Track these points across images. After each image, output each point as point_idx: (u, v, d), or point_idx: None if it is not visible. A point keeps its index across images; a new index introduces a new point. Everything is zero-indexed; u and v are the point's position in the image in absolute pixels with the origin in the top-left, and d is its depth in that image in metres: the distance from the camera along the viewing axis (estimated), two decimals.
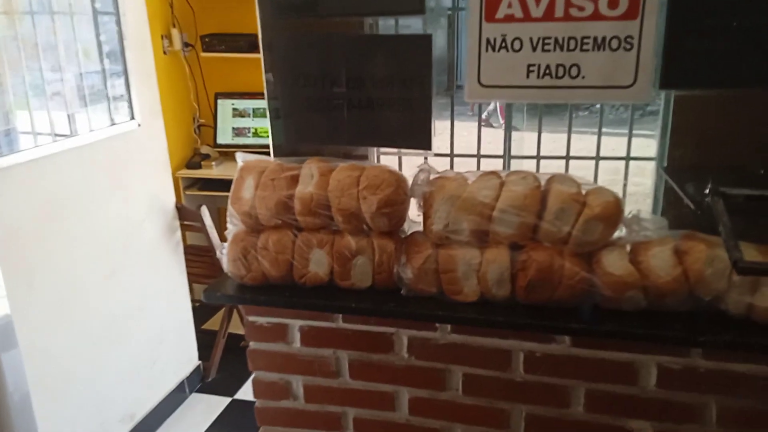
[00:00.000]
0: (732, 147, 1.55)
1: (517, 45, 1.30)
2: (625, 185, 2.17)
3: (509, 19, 1.29)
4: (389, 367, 1.40)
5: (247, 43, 3.40)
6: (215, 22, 3.57)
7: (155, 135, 2.73)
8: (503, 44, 1.31)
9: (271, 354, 1.46)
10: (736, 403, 1.22)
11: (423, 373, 1.38)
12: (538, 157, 2.27)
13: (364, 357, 1.41)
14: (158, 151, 2.75)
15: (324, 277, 1.35)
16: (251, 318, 1.45)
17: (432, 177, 1.32)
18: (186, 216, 2.96)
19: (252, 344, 1.47)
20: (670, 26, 1.29)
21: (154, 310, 2.74)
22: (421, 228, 1.34)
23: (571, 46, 1.27)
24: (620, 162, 2.18)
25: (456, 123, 2.35)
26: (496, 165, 2.30)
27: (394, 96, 1.41)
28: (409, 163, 1.59)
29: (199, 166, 3.55)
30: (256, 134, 3.63)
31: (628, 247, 1.24)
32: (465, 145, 2.42)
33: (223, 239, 1.44)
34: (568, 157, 2.26)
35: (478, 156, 2.34)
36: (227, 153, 3.67)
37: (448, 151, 2.25)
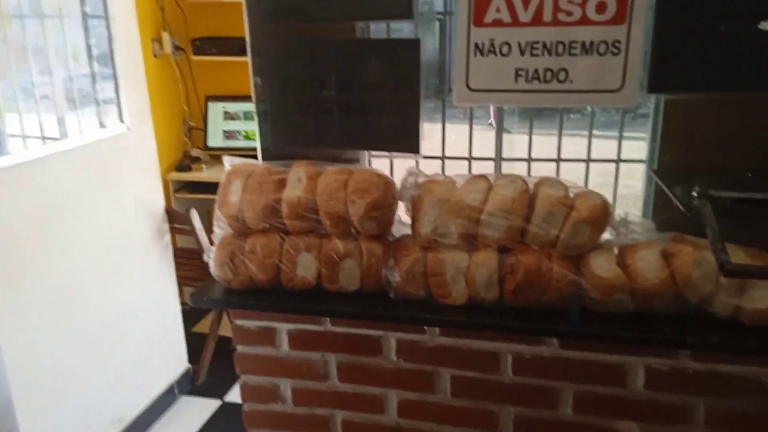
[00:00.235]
0: (721, 150, 1.56)
1: (505, 49, 1.31)
2: (615, 188, 2.18)
3: (497, 23, 1.30)
4: (378, 370, 1.39)
5: (239, 47, 3.39)
6: (206, 25, 3.56)
7: (145, 138, 2.71)
8: (492, 49, 1.31)
9: (259, 358, 1.46)
10: (724, 404, 1.23)
11: (412, 375, 1.38)
12: (530, 160, 2.28)
13: (352, 360, 1.41)
14: (148, 154, 2.74)
15: (312, 280, 1.35)
16: (239, 322, 1.44)
17: (420, 180, 1.32)
18: (176, 219, 2.95)
19: (240, 348, 1.47)
20: (658, 31, 1.29)
21: (143, 314, 2.72)
22: (409, 231, 1.34)
23: (559, 51, 1.28)
24: (612, 164, 2.19)
25: (448, 126, 2.35)
26: (488, 167, 2.31)
27: (383, 100, 1.41)
28: (400, 167, 1.59)
29: (189, 169, 3.54)
30: (247, 137, 3.62)
31: (616, 250, 1.24)
32: (458, 147, 2.42)
33: (212, 242, 1.44)
34: (559, 160, 2.26)
35: (470, 158, 2.34)
36: (218, 156, 3.65)
37: (440, 154, 2.25)
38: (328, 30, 1.50)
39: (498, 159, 2.29)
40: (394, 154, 1.70)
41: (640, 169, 1.85)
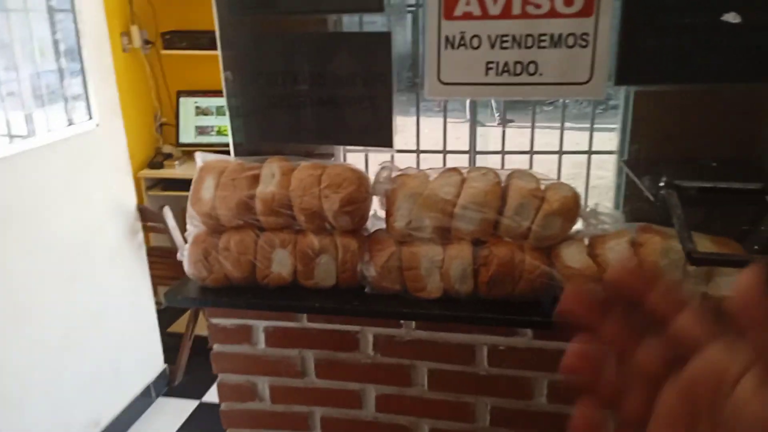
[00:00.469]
0: (688, 140, 1.59)
1: (475, 42, 1.31)
2: (587, 179, 2.21)
3: (468, 16, 1.30)
4: (355, 365, 1.40)
5: (209, 40, 3.33)
6: (176, 19, 3.51)
7: (114, 135, 2.66)
8: (462, 42, 1.32)
9: (235, 356, 1.45)
10: None
11: (389, 370, 1.38)
12: (503, 153, 2.29)
13: (329, 356, 1.41)
14: (118, 151, 2.69)
15: (287, 277, 1.34)
16: (214, 320, 1.43)
17: (394, 174, 1.32)
18: (149, 217, 2.90)
19: (216, 347, 1.46)
20: (625, 23, 1.31)
21: (116, 314, 2.68)
22: (383, 225, 1.34)
23: (529, 44, 1.29)
24: (584, 155, 2.22)
25: (422, 119, 2.35)
26: (462, 161, 2.32)
27: (355, 94, 1.41)
28: (375, 161, 1.59)
29: (161, 166, 3.48)
30: (219, 132, 3.58)
31: (587, 241, 1.26)
32: (432, 141, 2.43)
33: (186, 240, 1.42)
34: (532, 152, 2.28)
35: (444, 152, 2.35)
36: (190, 152, 3.60)
37: (414, 147, 2.25)
38: (298, 23, 1.49)
39: (472, 152, 2.31)
40: (369, 148, 1.70)
41: (612, 160, 1.88)
